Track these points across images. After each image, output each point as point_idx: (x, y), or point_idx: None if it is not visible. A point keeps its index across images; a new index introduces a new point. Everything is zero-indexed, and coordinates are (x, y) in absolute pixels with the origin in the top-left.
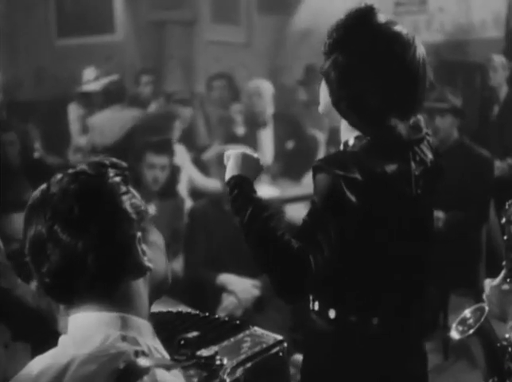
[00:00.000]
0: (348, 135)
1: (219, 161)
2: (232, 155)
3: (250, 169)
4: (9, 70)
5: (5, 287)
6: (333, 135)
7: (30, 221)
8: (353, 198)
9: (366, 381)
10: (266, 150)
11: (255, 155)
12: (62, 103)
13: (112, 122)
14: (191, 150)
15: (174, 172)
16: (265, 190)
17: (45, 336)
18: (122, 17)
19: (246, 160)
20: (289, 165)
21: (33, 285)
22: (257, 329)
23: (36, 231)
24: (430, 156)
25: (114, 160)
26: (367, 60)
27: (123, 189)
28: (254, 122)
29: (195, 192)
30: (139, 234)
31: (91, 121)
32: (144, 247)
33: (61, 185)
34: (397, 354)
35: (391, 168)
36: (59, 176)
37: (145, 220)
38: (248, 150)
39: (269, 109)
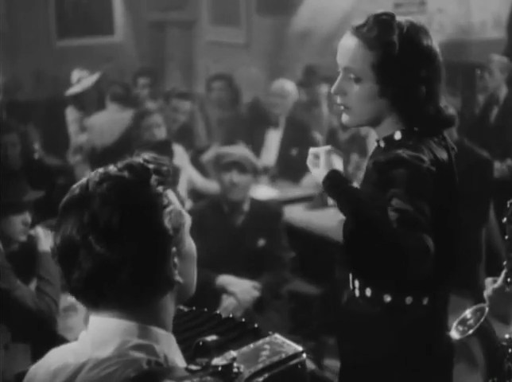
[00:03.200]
0: (384, 131)
1: (217, 162)
2: (321, 152)
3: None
4: (9, 71)
5: (5, 288)
6: (332, 136)
7: (65, 218)
8: (431, 186)
9: (425, 362)
10: (271, 151)
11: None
12: (61, 104)
13: (111, 123)
14: (188, 149)
15: (173, 173)
16: (264, 191)
17: (45, 337)
18: (121, 18)
19: (336, 155)
20: (290, 169)
21: (33, 286)
22: (278, 337)
23: (71, 234)
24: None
25: (158, 160)
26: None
27: (164, 201)
28: (267, 122)
29: (195, 194)
30: (174, 249)
31: (89, 121)
32: (176, 260)
33: (101, 189)
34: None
35: (444, 156)
36: (98, 175)
37: (181, 232)
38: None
39: (287, 111)
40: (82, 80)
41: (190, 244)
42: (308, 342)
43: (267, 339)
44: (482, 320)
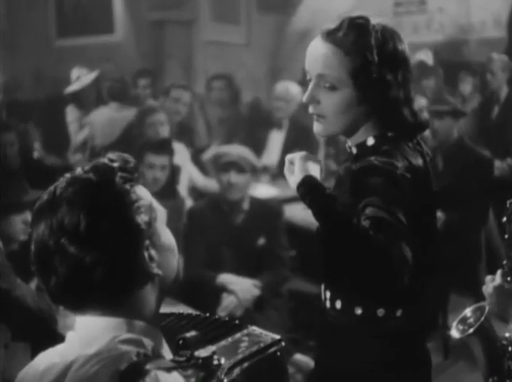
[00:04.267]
0: (357, 138)
1: (215, 162)
2: (296, 158)
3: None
4: (9, 70)
5: (5, 288)
6: (332, 136)
7: (36, 226)
8: (406, 193)
9: (396, 374)
10: (274, 152)
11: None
12: (61, 103)
13: (113, 122)
14: (188, 147)
15: (174, 172)
16: (265, 190)
17: (45, 336)
18: (121, 17)
19: (311, 161)
20: None
21: (33, 285)
22: (256, 329)
23: (43, 241)
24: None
25: (122, 158)
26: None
27: (132, 197)
28: (270, 123)
29: (196, 192)
30: (147, 242)
31: (89, 119)
32: (152, 252)
33: (67, 194)
34: (418, 345)
35: (419, 162)
36: (65, 180)
37: (154, 225)
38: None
39: (290, 113)
40: (81, 78)
41: (166, 236)
42: (308, 341)
43: (245, 331)
44: (482, 319)
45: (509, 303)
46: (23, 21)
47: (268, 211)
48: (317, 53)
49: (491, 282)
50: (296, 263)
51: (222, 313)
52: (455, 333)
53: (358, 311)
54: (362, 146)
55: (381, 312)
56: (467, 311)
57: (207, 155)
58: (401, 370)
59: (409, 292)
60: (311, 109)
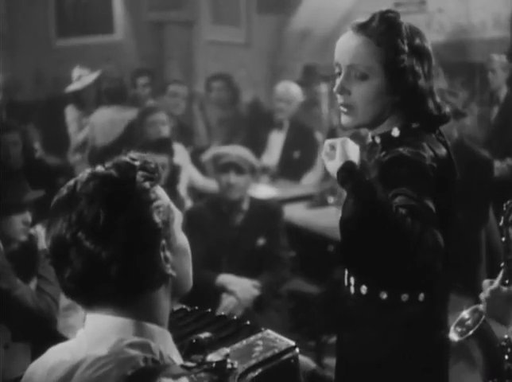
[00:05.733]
0: (380, 128)
1: (215, 163)
2: (338, 143)
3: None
4: (9, 71)
5: (5, 288)
6: (332, 136)
7: (55, 219)
8: (434, 183)
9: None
10: (274, 152)
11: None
12: (61, 103)
13: (114, 122)
14: (187, 146)
15: (174, 171)
16: (264, 190)
17: (45, 336)
18: (121, 17)
19: (352, 147)
20: (291, 171)
21: (33, 285)
22: (270, 333)
23: (61, 234)
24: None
25: (144, 158)
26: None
27: (152, 196)
28: (270, 123)
29: (195, 192)
30: (163, 242)
31: (90, 119)
32: (168, 254)
33: (88, 189)
34: (438, 329)
35: (443, 152)
36: (86, 175)
37: (171, 226)
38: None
39: (291, 114)
40: (82, 78)
41: (182, 239)
42: (308, 342)
43: (259, 335)
44: (481, 321)
45: (505, 306)
46: (23, 21)
47: (267, 211)
48: (349, 45)
49: (488, 287)
50: (296, 264)
51: (222, 313)
52: (453, 336)
53: (384, 296)
54: (386, 136)
55: (404, 297)
56: (465, 313)
57: (206, 156)
58: (421, 358)
59: (430, 277)
60: (340, 99)
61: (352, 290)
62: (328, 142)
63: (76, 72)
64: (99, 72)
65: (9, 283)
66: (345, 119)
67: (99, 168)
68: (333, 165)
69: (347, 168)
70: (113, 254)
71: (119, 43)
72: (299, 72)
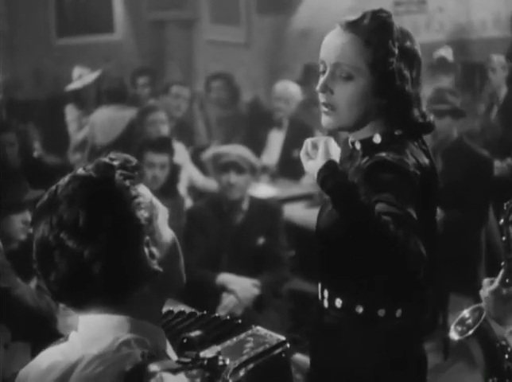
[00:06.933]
0: (360, 134)
1: (215, 162)
2: (321, 142)
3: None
4: (9, 70)
5: (5, 287)
6: (332, 135)
7: (37, 225)
8: (417, 191)
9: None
10: (273, 151)
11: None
12: (61, 102)
13: (114, 121)
14: (188, 146)
15: (174, 171)
16: (264, 189)
17: (45, 336)
18: (121, 16)
19: (334, 147)
20: (291, 170)
21: (33, 285)
22: (260, 329)
23: (43, 237)
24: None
25: (123, 158)
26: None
27: (132, 193)
28: (270, 122)
29: (195, 192)
30: (147, 238)
31: (91, 118)
32: (153, 249)
33: (67, 191)
34: (415, 346)
35: (425, 161)
36: (67, 178)
37: (155, 222)
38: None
39: (290, 113)
40: (83, 77)
41: (168, 234)
42: (307, 341)
43: (250, 332)
44: (481, 320)
45: (505, 306)
46: (23, 21)
47: (267, 211)
48: (335, 43)
49: (488, 287)
50: (296, 263)
51: (222, 312)
52: (454, 335)
53: (360, 310)
54: (367, 142)
55: (381, 312)
56: (465, 312)
57: (206, 155)
58: (397, 371)
59: (409, 292)
60: (322, 98)
61: (326, 303)
62: (310, 140)
63: (76, 71)
64: (100, 71)
65: (9, 282)
66: (326, 120)
67: (80, 170)
68: (313, 164)
69: (330, 167)
70: (95, 252)
71: (119, 42)
72: (299, 71)
